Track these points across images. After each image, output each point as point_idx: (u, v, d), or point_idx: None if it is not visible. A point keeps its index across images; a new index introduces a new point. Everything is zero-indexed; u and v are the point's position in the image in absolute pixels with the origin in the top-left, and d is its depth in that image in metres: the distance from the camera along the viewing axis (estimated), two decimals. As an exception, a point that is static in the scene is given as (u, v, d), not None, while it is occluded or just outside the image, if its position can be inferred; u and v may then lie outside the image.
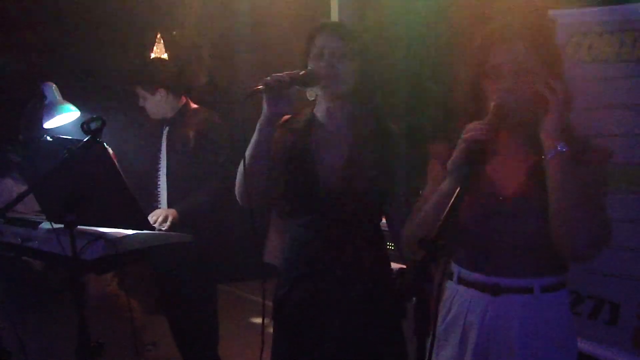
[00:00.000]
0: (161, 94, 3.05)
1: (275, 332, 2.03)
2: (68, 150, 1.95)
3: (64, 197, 2.05)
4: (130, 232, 2.24)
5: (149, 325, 3.80)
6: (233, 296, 4.80)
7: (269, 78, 1.77)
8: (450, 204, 1.31)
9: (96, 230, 2.21)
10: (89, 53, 4.60)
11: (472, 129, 1.47)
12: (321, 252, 1.92)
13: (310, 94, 1.97)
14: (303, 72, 1.86)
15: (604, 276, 2.33)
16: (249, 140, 1.89)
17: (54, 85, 2.82)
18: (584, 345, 2.25)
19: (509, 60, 1.54)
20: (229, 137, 3.07)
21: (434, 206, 1.56)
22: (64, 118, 2.81)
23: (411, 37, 3.64)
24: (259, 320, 2.37)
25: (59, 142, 2.13)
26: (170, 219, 2.85)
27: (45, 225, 2.28)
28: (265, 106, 1.83)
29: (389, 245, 2.08)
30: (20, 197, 1.98)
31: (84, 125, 1.98)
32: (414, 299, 1.18)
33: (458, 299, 1.67)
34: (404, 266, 2.04)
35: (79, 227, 2.07)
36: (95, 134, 1.97)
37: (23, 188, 2.85)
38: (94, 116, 1.99)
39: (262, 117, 1.86)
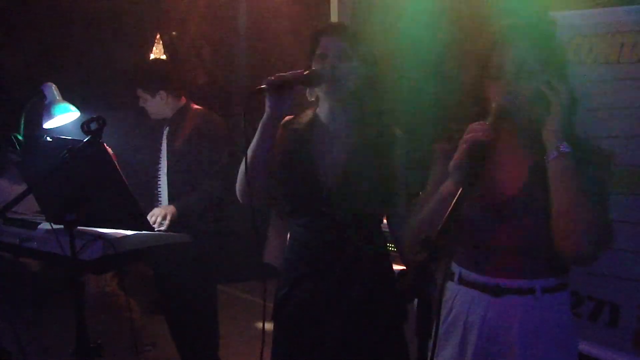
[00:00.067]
0: (161, 96, 3.05)
1: (275, 332, 2.03)
2: (68, 150, 1.95)
3: (64, 197, 2.05)
4: (129, 232, 2.24)
5: (148, 325, 3.80)
6: (233, 297, 4.80)
7: (272, 78, 1.77)
8: (451, 204, 1.30)
9: (95, 231, 2.21)
10: (89, 53, 4.61)
11: (473, 130, 1.47)
12: (321, 253, 1.92)
13: (311, 94, 1.97)
14: (307, 72, 1.86)
15: (604, 277, 2.32)
16: (250, 140, 1.88)
17: (54, 85, 2.82)
18: (584, 347, 2.25)
19: (511, 61, 1.54)
20: (229, 137, 3.08)
21: (435, 207, 1.56)
22: (64, 118, 2.80)
23: (411, 38, 3.64)
24: (258, 320, 2.36)
25: (59, 143, 2.13)
26: (169, 217, 2.85)
27: (44, 225, 2.28)
28: (268, 106, 1.83)
29: (390, 247, 2.07)
30: (20, 198, 1.97)
31: (84, 126, 1.98)
32: (416, 300, 1.17)
33: (459, 300, 1.67)
34: (405, 267, 2.03)
35: (78, 227, 2.07)
36: (95, 134, 1.97)
37: (18, 188, 2.85)
38: (94, 116, 1.99)
39: (264, 117, 1.86)
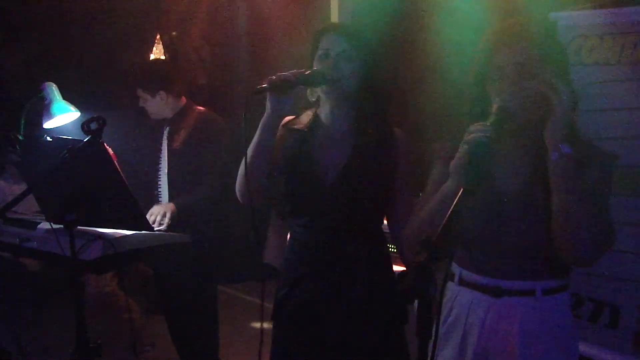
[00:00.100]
0: (161, 96, 3.05)
1: (275, 332, 2.02)
2: (68, 150, 1.95)
3: (64, 197, 2.04)
4: (129, 232, 2.23)
5: (147, 325, 3.80)
6: (232, 297, 4.80)
7: (273, 77, 1.77)
8: (452, 205, 1.30)
9: (95, 231, 2.21)
10: (89, 53, 4.60)
11: (474, 131, 1.47)
12: (321, 253, 1.92)
13: (312, 94, 1.97)
14: (309, 72, 1.85)
15: (605, 278, 2.33)
16: (251, 140, 1.88)
17: (54, 85, 2.82)
18: (584, 348, 2.25)
19: (512, 62, 1.53)
20: (229, 137, 3.07)
21: (435, 207, 1.56)
22: (64, 118, 2.80)
23: (411, 38, 3.64)
24: (258, 321, 2.36)
25: (59, 142, 2.12)
26: (168, 214, 2.85)
27: (44, 225, 2.27)
28: (268, 105, 1.83)
29: (390, 247, 2.07)
30: (20, 198, 1.97)
31: (84, 126, 1.98)
32: (416, 301, 1.17)
33: (459, 300, 1.67)
34: (405, 268, 2.03)
35: (77, 227, 2.07)
36: (95, 134, 1.97)
37: (17, 188, 2.85)
38: (94, 116, 1.98)
39: (265, 117, 1.85)
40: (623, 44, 2.31)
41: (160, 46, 5.38)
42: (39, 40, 4.51)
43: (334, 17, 3.64)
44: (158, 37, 5.31)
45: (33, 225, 2.31)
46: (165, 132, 3.09)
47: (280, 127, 1.98)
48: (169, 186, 3.05)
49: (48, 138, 2.26)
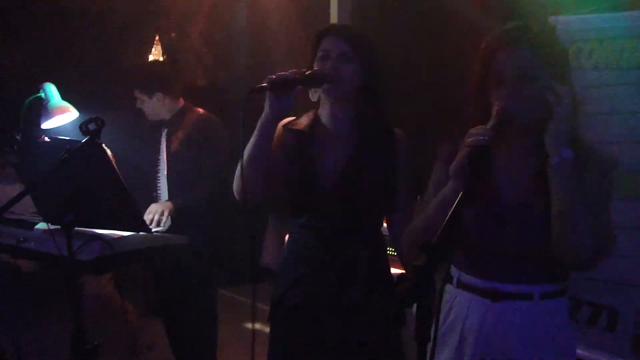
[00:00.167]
0: (158, 97, 3.05)
1: (271, 333, 2.02)
2: (66, 151, 1.94)
3: (62, 198, 2.04)
4: (127, 233, 2.23)
5: (144, 327, 3.79)
6: (228, 299, 4.79)
7: (273, 76, 1.76)
8: (452, 208, 1.30)
9: (93, 231, 2.20)
10: (88, 53, 4.60)
11: (474, 134, 1.46)
12: (320, 253, 1.92)
13: (314, 94, 1.97)
14: (309, 71, 1.85)
15: (603, 282, 2.33)
16: (248, 139, 1.87)
17: (53, 85, 2.81)
18: (582, 352, 2.25)
19: (512, 65, 1.53)
20: (228, 138, 3.07)
21: (435, 210, 1.56)
22: (63, 119, 2.80)
23: (410, 39, 3.64)
24: (257, 323, 2.35)
25: (57, 143, 2.12)
26: (167, 212, 2.84)
27: (42, 225, 2.27)
28: (267, 105, 1.82)
29: (390, 251, 2.07)
30: (18, 198, 1.96)
31: (82, 126, 1.97)
32: (415, 304, 1.17)
33: (457, 303, 1.66)
34: (404, 271, 2.03)
35: (75, 228, 2.06)
36: (93, 135, 1.97)
37: (8, 189, 2.84)
38: (93, 117, 1.98)
39: (263, 116, 1.84)
40: (623, 47, 2.31)
41: (159, 47, 5.37)
42: (39, 40, 4.50)
43: (334, 18, 3.64)
44: (157, 38, 5.31)
45: (31, 225, 2.30)
46: (164, 134, 3.09)
47: (280, 127, 1.98)
48: (169, 188, 3.05)
49: (46, 138, 2.26)
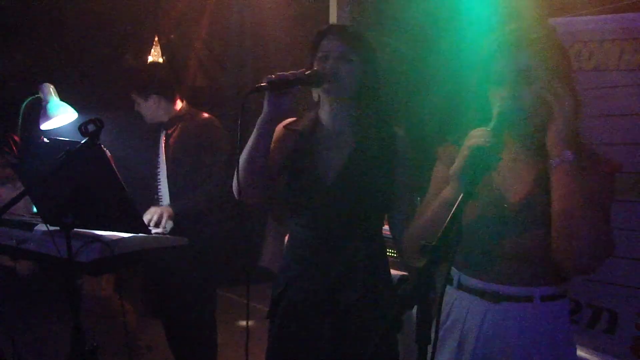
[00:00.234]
0: (154, 100, 3.04)
1: (270, 331, 2.02)
2: (65, 152, 1.94)
3: (61, 199, 2.03)
4: (126, 234, 2.22)
5: (143, 328, 3.79)
6: (227, 300, 4.78)
7: (273, 76, 1.76)
8: (452, 210, 1.29)
9: (92, 233, 2.20)
10: (87, 54, 4.60)
11: (475, 136, 1.46)
12: (320, 252, 1.92)
13: (316, 94, 1.97)
14: (308, 72, 1.85)
15: (603, 284, 2.32)
16: (247, 140, 1.87)
17: (52, 85, 2.81)
18: (582, 354, 2.25)
19: (513, 68, 1.53)
20: (227, 140, 3.07)
21: (436, 212, 1.56)
22: (62, 119, 2.79)
23: (410, 39, 3.64)
24: (256, 324, 2.35)
25: (57, 144, 2.11)
26: (165, 215, 2.83)
27: (41, 227, 2.26)
28: (266, 104, 1.82)
29: (391, 252, 2.06)
30: (17, 199, 1.96)
31: (81, 127, 1.97)
32: (416, 307, 1.16)
33: (457, 305, 1.66)
34: (406, 273, 2.03)
35: (74, 229, 2.06)
36: (93, 136, 1.96)
37: (1, 191, 2.84)
38: (92, 118, 1.97)
39: (262, 116, 1.84)
40: (622, 49, 2.31)
41: (158, 48, 5.37)
42: (39, 40, 4.50)
43: (333, 18, 3.64)
44: (156, 39, 5.31)
45: (30, 226, 2.30)
46: (163, 137, 3.08)
47: (281, 127, 1.98)
48: (170, 191, 3.04)
49: (45, 139, 2.25)
